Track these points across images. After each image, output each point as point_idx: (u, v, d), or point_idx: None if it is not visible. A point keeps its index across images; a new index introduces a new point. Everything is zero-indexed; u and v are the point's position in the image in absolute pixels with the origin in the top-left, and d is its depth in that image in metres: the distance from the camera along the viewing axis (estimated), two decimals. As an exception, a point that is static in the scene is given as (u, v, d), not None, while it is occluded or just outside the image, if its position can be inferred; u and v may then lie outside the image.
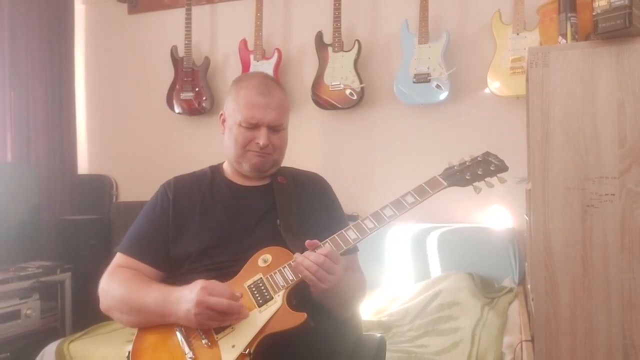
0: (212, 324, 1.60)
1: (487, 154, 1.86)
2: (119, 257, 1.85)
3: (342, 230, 1.72)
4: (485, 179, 1.81)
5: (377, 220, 1.72)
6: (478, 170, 1.81)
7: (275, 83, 1.96)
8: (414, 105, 3.73)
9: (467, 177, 1.80)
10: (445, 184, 1.78)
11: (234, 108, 1.88)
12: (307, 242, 1.66)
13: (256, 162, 1.87)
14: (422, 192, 1.76)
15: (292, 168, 2.05)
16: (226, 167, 2.00)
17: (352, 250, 1.76)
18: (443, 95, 3.57)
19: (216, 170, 2.01)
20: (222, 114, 1.96)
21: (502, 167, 1.83)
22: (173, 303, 1.63)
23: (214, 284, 1.62)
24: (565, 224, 1.96)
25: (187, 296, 1.60)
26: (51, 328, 3.54)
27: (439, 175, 1.81)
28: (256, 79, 1.92)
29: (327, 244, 1.69)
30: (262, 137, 1.84)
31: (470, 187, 1.81)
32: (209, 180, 1.96)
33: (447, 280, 3.25)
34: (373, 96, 3.88)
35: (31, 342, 3.28)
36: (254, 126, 1.84)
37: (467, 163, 1.84)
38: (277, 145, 1.89)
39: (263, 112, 1.84)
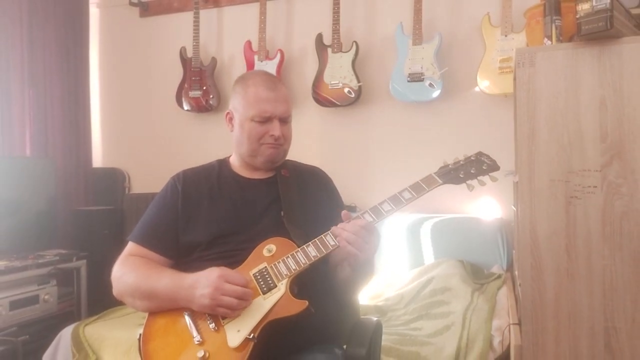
0: (221, 310, 1.59)
1: (480, 153, 1.85)
2: (130, 246, 1.85)
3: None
4: (478, 178, 1.80)
5: (375, 214, 1.72)
6: (471, 169, 1.79)
7: (277, 79, 1.99)
8: (408, 103, 3.73)
9: (460, 176, 1.79)
10: (441, 181, 1.77)
11: (243, 105, 1.87)
12: (343, 212, 1.69)
13: (270, 153, 1.88)
14: (419, 188, 1.75)
15: (294, 162, 2.05)
16: (233, 160, 2.00)
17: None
18: (436, 93, 3.56)
19: (223, 163, 2.01)
20: (228, 113, 1.95)
21: (493, 167, 1.81)
22: (186, 288, 1.63)
23: (230, 272, 1.63)
24: (551, 214, 1.96)
25: (204, 282, 1.60)
26: (67, 312, 3.55)
27: (434, 173, 1.79)
28: (260, 76, 1.93)
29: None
30: (275, 129, 1.85)
31: (464, 184, 1.81)
32: (217, 173, 1.96)
33: (440, 267, 3.25)
34: (370, 94, 3.87)
35: (49, 326, 3.29)
36: (266, 120, 1.84)
37: (461, 162, 1.82)
38: (287, 136, 1.91)
39: (273, 105, 1.84)
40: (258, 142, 1.87)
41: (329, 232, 1.70)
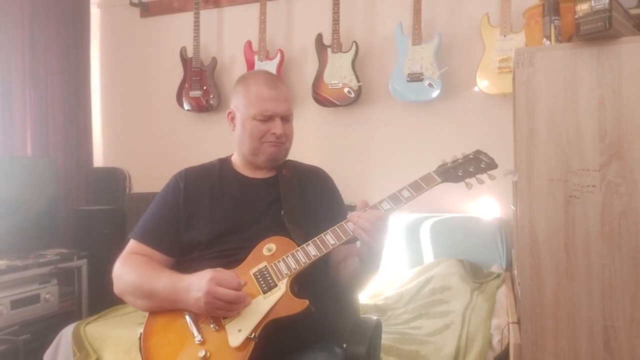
0: (219, 312, 1.60)
1: (478, 152, 1.85)
2: (131, 244, 1.85)
3: (342, 222, 1.71)
4: (476, 176, 1.80)
5: None
6: (469, 167, 1.79)
7: (278, 78, 2.00)
8: (407, 103, 3.73)
9: (459, 174, 1.79)
10: (439, 180, 1.77)
11: (245, 104, 1.87)
12: (361, 202, 1.71)
13: (272, 151, 1.88)
14: (418, 187, 1.75)
15: (295, 162, 2.05)
16: (235, 159, 2.00)
17: (352, 240, 1.77)
18: (435, 93, 3.56)
19: (225, 162, 2.01)
20: (230, 112, 1.94)
21: (492, 165, 1.81)
22: (182, 291, 1.63)
23: (222, 274, 1.61)
24: (550, 213, 1.96)
25: (196, 285, 1.59)
26: (68, 311, 3.55)
27: (433, 172, 1.79)
28: (261, 75, 1.93)
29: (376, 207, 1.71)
30: (277, 127, 1.85)
31: (462, 183, 1.80)
32: (218, 172, 1.96)
33: (439, 266, 3.25)
34: (369, 94, 3.87)
35: (50, 325, 3.29)
36: (268, 118, 1.85)
37: (460, 160, 1.82)
38: (289, 135, 1.91)
39: (275, 104, 1.85)
40: (260, 141, 1.87)
41: (328, 231, 1.70)
